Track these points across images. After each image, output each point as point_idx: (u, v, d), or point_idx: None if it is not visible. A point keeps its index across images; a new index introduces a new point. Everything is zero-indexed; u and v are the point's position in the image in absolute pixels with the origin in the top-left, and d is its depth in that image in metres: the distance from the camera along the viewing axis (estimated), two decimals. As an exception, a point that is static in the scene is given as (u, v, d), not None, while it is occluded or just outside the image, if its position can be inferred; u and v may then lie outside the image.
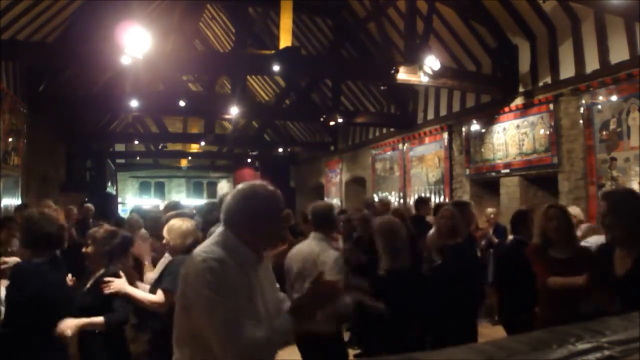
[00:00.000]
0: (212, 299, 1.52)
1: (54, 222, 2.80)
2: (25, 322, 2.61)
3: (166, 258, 3.32)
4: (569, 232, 3.08)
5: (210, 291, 1.52)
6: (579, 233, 4.90)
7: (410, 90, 9.87)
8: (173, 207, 5.00)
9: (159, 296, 2.85)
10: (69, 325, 2.59)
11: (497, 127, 7.94)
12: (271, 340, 1.54)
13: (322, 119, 10.16)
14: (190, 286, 1.58)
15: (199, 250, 1.68)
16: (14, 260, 3.13)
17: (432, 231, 4.50)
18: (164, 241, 3.10)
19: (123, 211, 15.80)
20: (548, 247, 3.06)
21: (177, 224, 3.08)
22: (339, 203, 13.30)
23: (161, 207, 8.49)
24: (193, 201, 19.88)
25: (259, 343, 1.49)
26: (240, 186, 1.80)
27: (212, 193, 24.29)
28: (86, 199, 11.21)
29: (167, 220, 3.59)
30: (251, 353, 1.49)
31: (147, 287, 3.10)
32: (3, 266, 3.14)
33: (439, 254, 3.62)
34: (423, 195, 9.34)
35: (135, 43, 5.20)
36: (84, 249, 2.95)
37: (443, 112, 9.36)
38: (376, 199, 10.42)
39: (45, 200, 6.68)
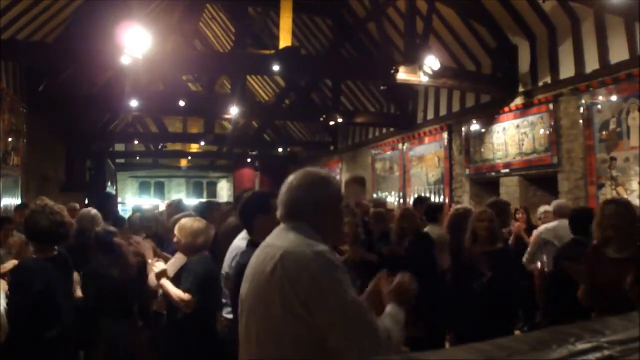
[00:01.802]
0: (344, 294, 1.36)
1: (52, 217, 2.69)
2: (31, 324, 2.52)
3: (177, 258, 3.32)
4: (629, 229, 2.76)
5: (340, 285, 1.37)
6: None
7: (410, 90, 9.87)
8: (177, 206, 4.99)
9: (187, 295, 2.84)
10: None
11: (497, 127, 7.93)
12: (397, 331, 1.44)
13: (322, 119, 10.16)
14: (309, 286, 1.36)
15: (300, 246, 1.44)
16: (12, 263, 3.08)
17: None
18: (175, 240, 3.12)
19: (123, 211, 15.80)
20: (606, 246, 2.83)
21: (189, 223, 3.09)
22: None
23: (161, 208, 8.53)
24: (193, 201, 19.88)
25: (392, 334, 1.40)
26: (303, 174, 1.60)
27: (212, 193, 24.30)
28: (85, 199, 11.23)
29: (174, 222, 3.61)
30: (388, 346, 1.37)
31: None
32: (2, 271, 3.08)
33: (482, 263, 3.35)
34: (423, 195, 9.31)
35: (135, 43, 5.20)
36: None
37: (443, 112, 9.36)
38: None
39: (40, 197, 6.66)
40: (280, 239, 1.52)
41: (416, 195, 10.04)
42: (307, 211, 1.53)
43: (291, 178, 1.61)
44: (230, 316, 2.74)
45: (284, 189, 1.60)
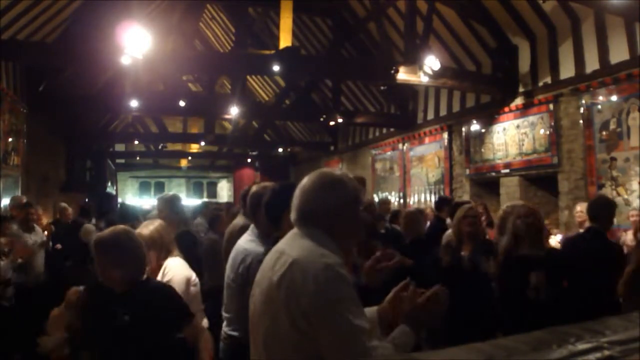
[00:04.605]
0: (346, 313, 1.32)
1: None
2: None
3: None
4: None
5: (343, 303, 1.33)
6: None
7: (410, 90, 9.87)
8: (170, 202, 4.87)
9: None
10: None
11: (497, 127, 7.93)
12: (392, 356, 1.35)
13: (322, 119, 10.16)
14: (312, 299, 1.33)
15: (310, 256, 1.39)
16: None
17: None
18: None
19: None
20: None
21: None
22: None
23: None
24: (193, 201, 19.87)
25: None
26: (317, 175, 1.54)
27: (212, 193, 24.31)
28: (85, 199, 11.22)
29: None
30: None
31: None
32: None
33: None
34: (443, 195, 8.74)
35: (135, 43, 5.20)
36: None
37: (443, 112, 9.36)
38: (376, 199, 10.42)
39: (18, 196, 6.65)
40: (291, 245, 1.47)
41: (416, 196, 10.06)
42: (322, 215, 1.47)
43: (305, 180, 1.55)
44: (235, 333, 2.53)
45: (297, 191, 1.53)
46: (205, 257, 4.05)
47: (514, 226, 3.02)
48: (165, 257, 2.74)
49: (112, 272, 2.18)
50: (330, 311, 1.32)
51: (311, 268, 1.35)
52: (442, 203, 5.66)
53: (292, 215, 1.53)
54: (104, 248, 2.20)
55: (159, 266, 2.71)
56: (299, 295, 1.34)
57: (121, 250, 2.17)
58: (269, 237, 2.37)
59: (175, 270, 2.70)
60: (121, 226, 2.39)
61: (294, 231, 1.52)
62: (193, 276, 2.76)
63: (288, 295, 1.36)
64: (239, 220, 3.12)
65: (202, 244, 5.48)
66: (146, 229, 2.74)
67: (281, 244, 1.52)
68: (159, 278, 2.64)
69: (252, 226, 2.67)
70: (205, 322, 2.80)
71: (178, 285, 2.55)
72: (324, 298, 1.32)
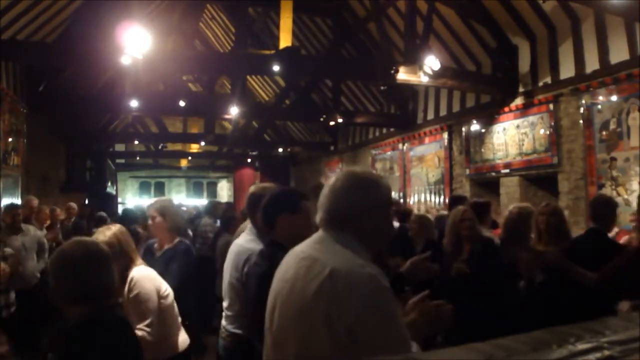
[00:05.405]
0: (394, 326, 1.27)
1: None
2: None
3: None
4: None
5: (390, 315, 1.28)
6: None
7: (410, 90, 9.87)
8: (163, 208, 4.84)
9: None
10: None
11: (497, 127, 7.93)
12: None
13: (322, 119, 10.16)
14: (359, 311, 1.24)
15: (350, 265, 1.30)
16: None
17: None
18: None
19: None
20: None
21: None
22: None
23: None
24: (193, 201, 19.90)
25: None
26: (349, 175, 1.45)
27: (212, 193, 24.32)
28: (85, 199, 11.23)
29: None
30: None
31: None
32: None
33: (539, 266, 2.99)
34: (459, 194, 8.37)
35: (135, 43, 5.20)
36: None
37: (443, 112, 9.36)
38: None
39: (28, 197, 6.60)
40: (324, 252, 1.37)
41: (416, 196, 10.06)
42: (354, 219, 1.39)
43: (335, 179, 1.46)
44: (238, 330, 2.55)
45: (326, 191, 1.44)
46: (221, 259, 3.98)
47: (536, 221, 3.20)
48: (129, 267, 2.53)
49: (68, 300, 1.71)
50: (380, 325, 1.25)
51: (354, 279, 1.27)
52: (456, 203, 5.18)
53: (320, 216, 1.44)
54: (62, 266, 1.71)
55: (124, 278, 2.49)
56: (342, 308, 1.24)
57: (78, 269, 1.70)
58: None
59: (143, 283, 2.50)
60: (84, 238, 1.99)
61: (322, 235, 1.43)
62: (162, 287, 2.63)
63: (329, 307, 1.26)
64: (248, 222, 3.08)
65: (209, 245, 5.41)
66: (102, 234, 2.50)
67: (309, 249, 1.42)
68: (125, 292, 2.46)
69: (249, 226, 2.70)
70: (184, 338, 2.74)
71: (149, 299, 2.47)
72: (370, 310, 1.25)
